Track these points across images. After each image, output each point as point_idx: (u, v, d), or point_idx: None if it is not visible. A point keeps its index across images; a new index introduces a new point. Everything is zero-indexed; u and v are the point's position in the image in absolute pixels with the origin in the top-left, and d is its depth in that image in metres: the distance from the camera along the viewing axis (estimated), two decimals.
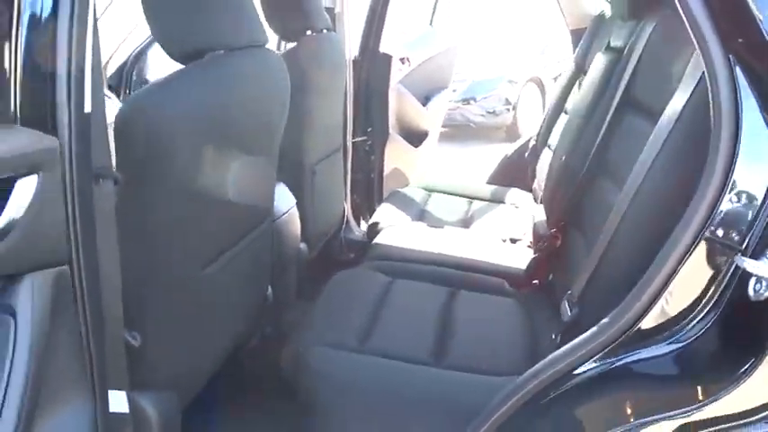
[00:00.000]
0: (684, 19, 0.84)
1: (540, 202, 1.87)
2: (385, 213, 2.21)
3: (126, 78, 2.38)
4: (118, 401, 1.09)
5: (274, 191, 1.66)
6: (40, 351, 0.73)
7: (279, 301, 1.78)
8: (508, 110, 6.27)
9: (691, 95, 0.96)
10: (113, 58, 2.52)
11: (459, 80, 6.07)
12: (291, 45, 2.08)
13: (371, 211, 2.79)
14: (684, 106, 0.97)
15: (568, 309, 1.14)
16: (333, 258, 2.47)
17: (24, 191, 0.72)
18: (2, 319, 0.70)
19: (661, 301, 0.83)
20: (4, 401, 0.69)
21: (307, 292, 2.06)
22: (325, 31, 2.10)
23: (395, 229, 2.00)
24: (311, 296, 1.92)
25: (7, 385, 0.68)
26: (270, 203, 1.65)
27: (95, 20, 1.01)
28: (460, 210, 2.28)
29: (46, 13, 0.90)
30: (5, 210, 0.70)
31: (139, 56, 2.50)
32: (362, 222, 2.78)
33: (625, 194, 1.07)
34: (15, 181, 0.71)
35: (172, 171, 1.16)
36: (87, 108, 1.01)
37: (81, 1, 0.89)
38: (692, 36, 0.83)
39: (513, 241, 1.91)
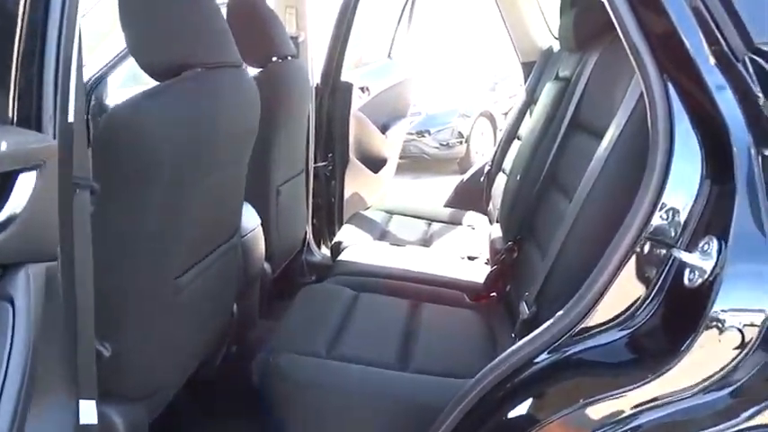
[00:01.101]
0: (625, 45, 0.95)
1: (497, 222, 1.98)
2: (347, 233, 2.28)
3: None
4: (87, 412, 1.09)
5: (242, 207, 1.71)
6: (36, 341, 0.76)
7: (243, 318, 1.81)
8: (461, 143, 6.45)
9: (630, 114, 1.08)
10: None
11: (414, 113, 6.23)
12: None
13: (332, 235, 2.84)
14: (625, 124, 1.09)
15: (526, 308, 1.22)
16: (295, 280, 2.50)
17: (25, 185, 0.76)
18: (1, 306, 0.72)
19: (610, 293, 0.92)
20: (2, 390, 0.71)
21: (270, 312, 2.10)
22: (290, 57, 2.18)
23: (358, 248, 2.07)
24: (274, 315, 1.97)
25: (5, 375, 0.71)
26: (238, 219, 1.68)
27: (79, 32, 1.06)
28: (420, 230, 2.37)
29: (38, 19, 0.93)
30: (8, 202, 0.74)
31: (100, 80, 2.53)
32: (323, 246, 2.85)
33: (574, 204, 1.17)
34: (17, 175, 0.75)
35: (151, 182, 1.18)
36: (71, 117, 1.06)
37: (71, 8, 0.94)
38: (632, 59, 0.94)
39: (471, 259, 2.01)
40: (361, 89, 2.86)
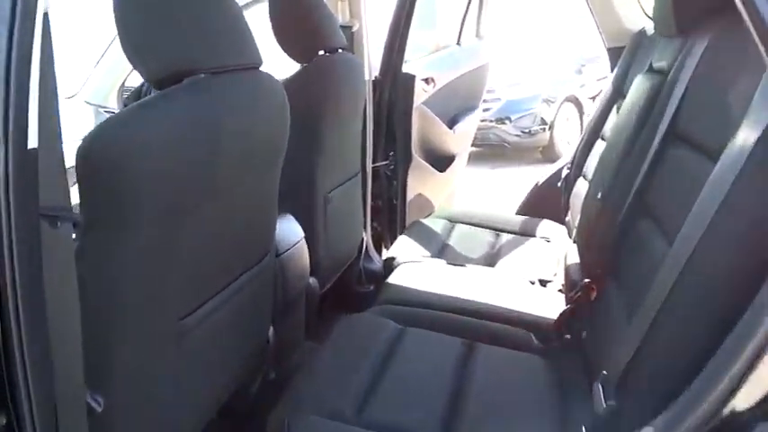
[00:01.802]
0: (753, 32, 0.65)
1: (574, 241, 1.67)
2: (402, 247, 2.04)
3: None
4: None
5: (275, 225, 1.51)
6: None
7: (283, 342, 1.63)
8: (544, 129, 6.06)
9: (765, 131, 0.76)
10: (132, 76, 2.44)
11: (493, 99, 5.91)
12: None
13: (393, 238, 2.64)
14: (756, 144, 0.77)
15: (603, 398, 0.93)
16: (350, 290, 2.32)
17: None
18: None
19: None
20: None
21: (318, 330, 1.91)
22: (340, 50, 1.96)
23: (411, 267, 1.82)
24: (324, 334, 1.78)
25: None
26: (269, 239, 1.50)
27: (47, 34, 0.89)
28: (486, 243, 2.08)
29: None
30: None
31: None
32: (384, 251, 2.64)
33: (677, 253, 0.86)
34: None
35: (142, 213, 1.01)
36: (32, 143, 0.88)
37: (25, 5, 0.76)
38: (764, 52, 0.64)
39: (543, 283, 1.72)
40: (426, 80, 2.60)
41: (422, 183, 2.65)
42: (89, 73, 2.61)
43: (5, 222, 0.82)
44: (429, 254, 1.95)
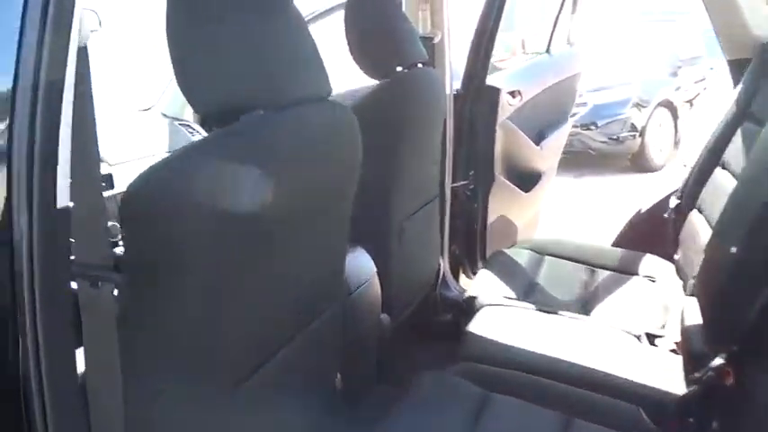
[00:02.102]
0: None
1: (692, 294, 1.42)
2: (484, 283, 1.83)
3: None
4: None
5: (344, 266, 1.36)
6: None
7: (351, 390, 1.47)
8: (634, 136, 5.66)
9: None
10: None
11: (579, 104, 5.56)
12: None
13: (473, 264, 2.47)
14: None
15: None
16: (426, 320, 2.14)
17: None
18: None
19: None
20: None
21: (389, 373, 1.75)
22: (419, 65, 1.78)
23: (496, 312, 1.62)
24: (397, 375, 1.63)
25: None
26: (339, 282, 1.35)
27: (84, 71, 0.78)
28: (579, 282, 1.84)
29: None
30: None
31: None
32: (461, 276, 2.45)
33: None
34: None
35: (191, 270, 0.89)
36: (62, 200, 0.76)
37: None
38: None
39: (651, 339, 1.47)
40: (511, 93, 2.38)
41: (504, 204, 2.45)
42: (165, 85, 2.57)
43: (27, 286, 0.73)
44: (514, 294, 1.73)
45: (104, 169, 1.82)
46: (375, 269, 1.62)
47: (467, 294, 1.78)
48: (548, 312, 1.60)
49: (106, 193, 1.79)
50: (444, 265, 2.28)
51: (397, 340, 1.75)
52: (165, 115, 2.50)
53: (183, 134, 2.30)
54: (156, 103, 2.58)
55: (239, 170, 0.89)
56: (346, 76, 1.75)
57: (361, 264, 1.59)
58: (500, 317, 1.59)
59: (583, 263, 1.92)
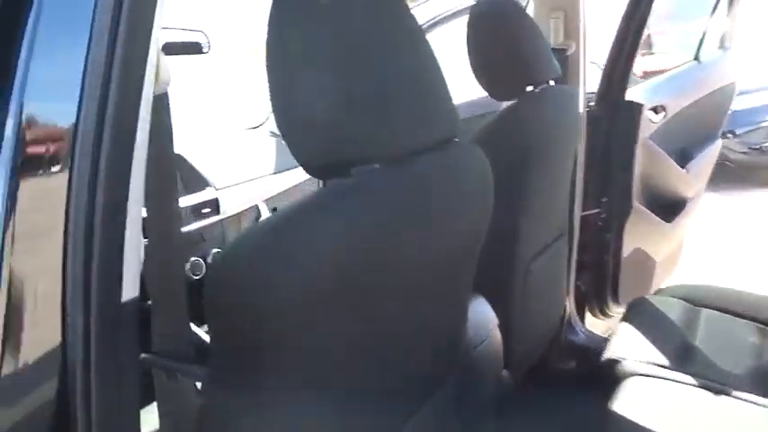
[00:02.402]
0: None
1: None
2: (627, 342, 1.54)
3: None
4: None
5: (465, 333, 1.16)
6: None
7: None
8: None
9: None
10: None
11: None
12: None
13: (602, 303, 2.20)
14: None
15: None
16: (547, 368, 1.90)
17: None
18: None
19: None
20: None
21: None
22: (551, 82, 1.54)
23: (644, 387, 1.33)
24: None
25: None
26: (457, 349, 1.15)
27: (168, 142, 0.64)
28: (749, 347, 1.49)
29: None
30: None
31: None
32: (588, 315, 2.17)
33: None
34: None
35: (290, 352, 0.72)
36: (130, 291, 0.61)
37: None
38: None
39: None
40: (654, 109, 2.07)
41: (642, 235, 2.16)
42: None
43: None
44: (666, 360, 1.42)
45: (210, 194, 1.74)
46: (496, 320, 1.40)
47: (605, 356, 1.50)
48: (715, 392, 1.29)
49: (212, 220, 1.73)
50: (570, 306, 2.03)
51: (519, 402, 1.53)
52: (273, 134, 2.41)
53: (290, 155, 2.19)
54: (264, 120, 2.50)
55: (344, 233, 0.71)
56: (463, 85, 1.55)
57: (480, 316, 1.37)
58: (652, 394, 1.30)
59: (751, 319, 1.58)
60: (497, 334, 1.39)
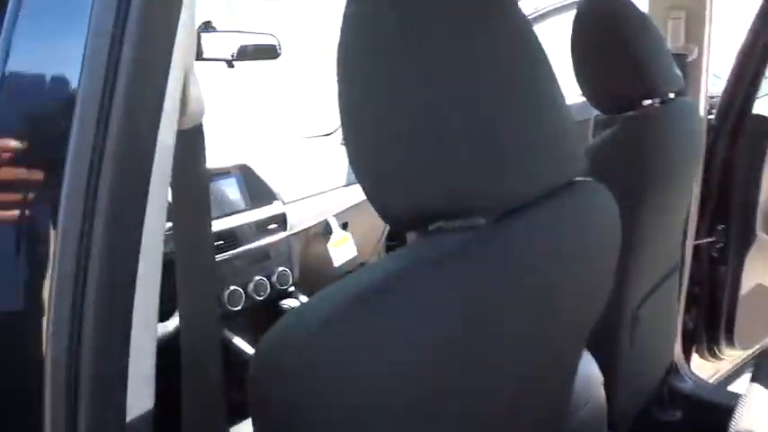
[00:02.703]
0: None
1: None
2: (758, 409, 1.29)
3: None
4: None
5: (571, 394, 0.97)
6: None
7: None
8: None
9: None
10: None
11: None
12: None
13: (711, 345, 1.95)
14: None
15: None
16: (649, 417, 1.67)
17: None
18: None
19: None
20: None
21: None
22: (672, 95, 1.30)
23: None
24: None
25: None
26: (560, 419, 0.95)
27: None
28: None
29: None
30: None
31: None
32: (695, 356, 1.93)
33: None
34: None
35: None
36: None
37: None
38: None
39: None
40: None
41: (765, 269, 1.90)
42: None
43: None
44: None
45: (278, 208, 1.61)
46: (601, 378, 1.20)
47: (731, 429, 1.25)
48: None
49: (279, 236, 1.59)
50: (677, 350, 1.78)
51: None
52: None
53: None
54: (337, 128, 2.36)
55: (443, 322, 0.52)
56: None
57: (585, 376, 1.17)
58: None
59: None
60: (602, 393, 1.19)
